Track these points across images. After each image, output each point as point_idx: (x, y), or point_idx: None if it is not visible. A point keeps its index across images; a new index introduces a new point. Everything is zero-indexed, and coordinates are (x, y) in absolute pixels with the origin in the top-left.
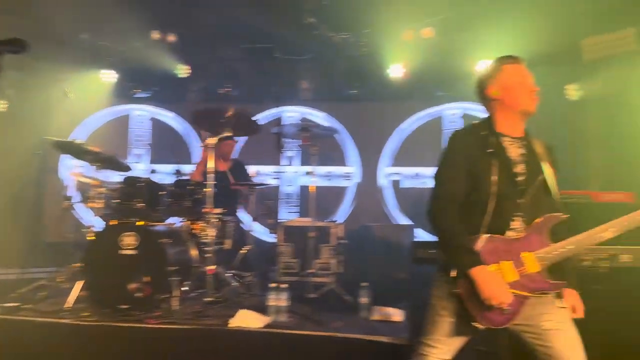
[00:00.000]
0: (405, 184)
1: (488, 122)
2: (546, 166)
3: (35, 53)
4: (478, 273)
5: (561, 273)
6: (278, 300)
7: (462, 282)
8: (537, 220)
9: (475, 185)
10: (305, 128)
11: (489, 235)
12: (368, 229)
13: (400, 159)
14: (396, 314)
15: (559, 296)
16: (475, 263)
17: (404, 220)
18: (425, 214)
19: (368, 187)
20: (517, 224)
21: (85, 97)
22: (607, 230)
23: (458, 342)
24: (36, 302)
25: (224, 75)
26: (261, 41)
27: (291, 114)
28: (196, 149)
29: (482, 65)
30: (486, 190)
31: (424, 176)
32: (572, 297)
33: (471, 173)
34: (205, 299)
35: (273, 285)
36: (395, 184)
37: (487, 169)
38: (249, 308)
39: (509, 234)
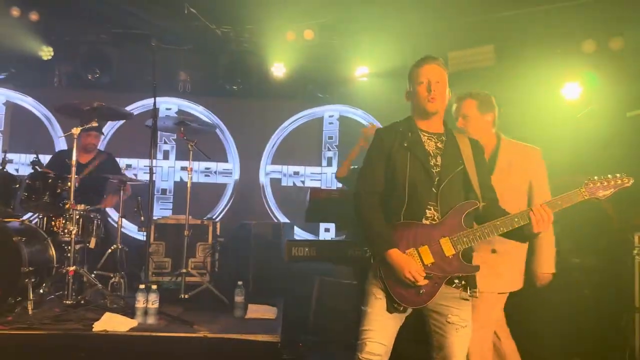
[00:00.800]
0: (285, 182)
1: (408, 120)
2: (468, 160)
3: None
4: (391, 255)
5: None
6: (147, 301)
7: (382, 265)
8: (456, 207)
9: (393, 177)
10: (182, 122)
11: (405, 221)
12: (245, 227)
13: (280, 158)
14: (270, 312)
15: (471, 285)
16: (388, 247)
17: (283, 219)
18: (353, 204)
19: (248, 184)
20: (431, 212)
21: None
22: (522, 216)
23: (391, 325)
24: None
25: (93, 60)
26: (136, 27)
27: (168, 106)
28: (59, 139)
29: (360, 70)
30: (402, 181)
31: (303, 175)
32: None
33: (389, 166)
34: (66, 302)
35: (142, 286)
36: (276, 182)
37: (404, 161)
38: (115, 311)
39: (425, 222)
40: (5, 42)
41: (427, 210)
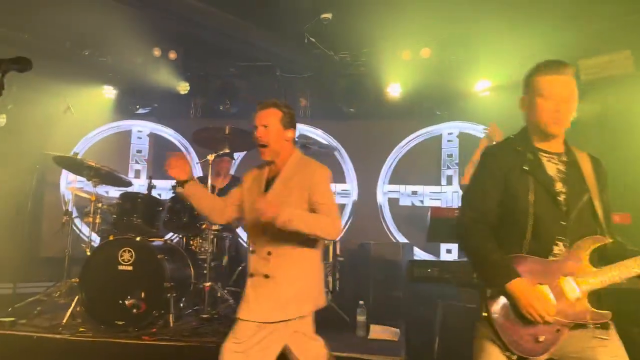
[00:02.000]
0: (404, 201)
1: (524, 136)
2: (592, 184)
3: (37, 69)
4: (516, 285)
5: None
6: None
7: (495, 303)
8: (578, 242)
9: (511, 205)
10: (304, 145)
11: (523, 254)
12: (365, 247)
13: (398, 177)
14: (393, 334)
15: (604, 327)
16: (512, 276)
17: (401, 238)
18: (456, 232)
19: (366, 204)
20: (560, 248)
21: (87, 113)
22: None
23: None
24: (32, 317)
25: (223, 92)
26: (261, 59)
27: None
28: (197, 165)
29: (480, 84)
30: (524, 211)
31: (422, 194)
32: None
33: (507, 192)
34: (202, 316)
35: None
36: (394, 201)
37: (524, 187)
38: None
39: (550, 258)
40: (149, 80)
41: (554, 246)
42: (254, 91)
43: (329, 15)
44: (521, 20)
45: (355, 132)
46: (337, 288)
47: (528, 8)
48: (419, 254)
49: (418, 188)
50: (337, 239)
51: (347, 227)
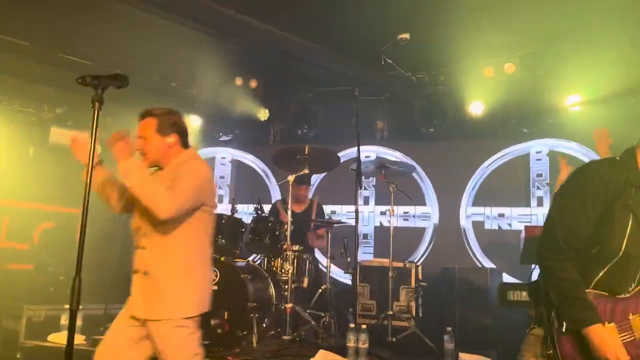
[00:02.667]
0: (489, 225)
1: (630, 164)
2: None
3: (130, 102)
4: (597, 332)
5: None
6: (357, 341)
7: (567, 340)
8: None
9: (601, 235)
10: (383, 165)
11: (594, 291)
12: (448, 272)
13: (483, 199)
14: None
15: None
16: (594, 320)
17: (487, 263)
18: (537, 252)
19: (448, 227)
20: (633, 287)
21: None
22: None
23: None
24: None
25: (301, 117)
26: (338, 83)
27: (367, 154)
28: (274, 189)
29: (570, 99)
30: (614, 248)
31: (510, 217)
32: None
33: (602, 221)
34: (284, 337)
35: (352, 326)
36: (478, 225)
37: (622, 223)
38: (327, 349)
39: (620, 295)
40: (231, 108)
41: (630, 287)
42: (332, 115)
43: (406, 36)
44: (613, 29)
45: (434, 153)
46: (421, 314)
47: (621, 16)
48: (509, 281)
49: (505, 210)
50: (165, 218)
51: (427, 251)
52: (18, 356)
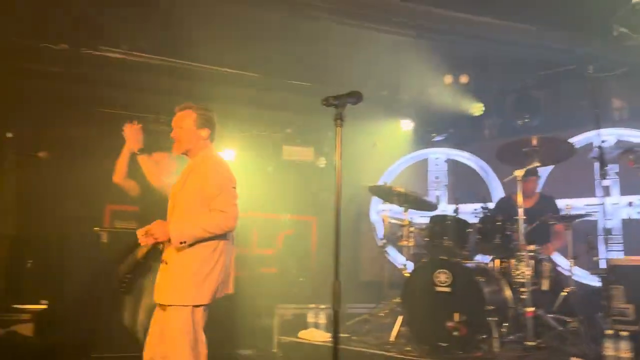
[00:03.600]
0: None
1: None
2: None
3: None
4: None
5: None
6: (617, 350)
7: None
8: None
9: None
10: (630, 149)
11: None
12: None
13: None
14: None
15: None
16: None
17: None
18: None
19: None
20: None
21: (389, 146)
22: None
23: None
24: (362, 335)
25: (521, 106)
26: (562, 63)
27: (605, 137)
28: (496, 186)
29: None
30: None
31: None
32: None
33: None
34: (527, 344)
35: (609, 332)
36: None
37: None
38: (579, 357)
39: None
40: (442, 108)
41: None
42: (556, 99)
43: None
44: None
45: None
46: None
47: None
48: None
49: None
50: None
51: None
52: (274, 350)
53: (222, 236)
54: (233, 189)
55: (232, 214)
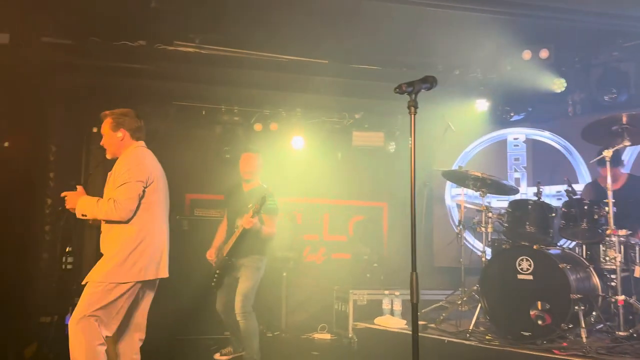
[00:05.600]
0: None
1: None
2: None
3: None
4: None
5: None
6: None
7: None
8: None
9: None
10: None
11: None
12: None
13: None
14: None
15: None
16: None
17: None
18: None
19: None
20: None
21: (464, 128)
22: None
23: None
24: (439, 322)
25: (607, 80)
26: None
27: None
28: (580, 168)
29: None
30: None
31: None
32: None
33: None
34: (618, 333)
35: None
36: None
37: None
38: None
39: None
40: (520, 85)
41: None
42: None
43: None
44: None
45: None
46: None
47: None
48: None
49: None
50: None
51: None
52: (350, 335)
53: (149, 220)
54: (137, 182)
55: (124, 206)
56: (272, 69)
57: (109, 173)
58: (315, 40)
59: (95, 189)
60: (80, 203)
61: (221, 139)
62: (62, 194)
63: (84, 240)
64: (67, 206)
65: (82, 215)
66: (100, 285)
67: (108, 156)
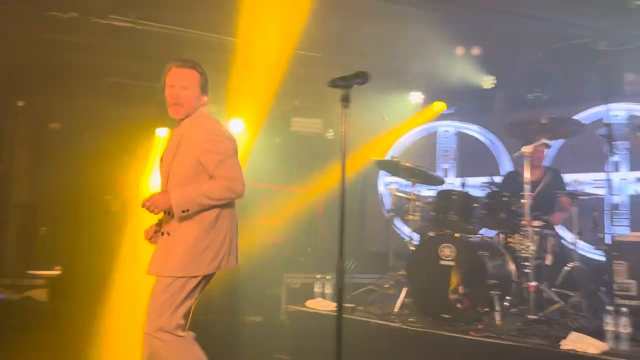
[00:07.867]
0: None
1: None
2: None
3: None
4: None
5: None
6: (617, 325)
7: None
8: None
9: None
10: (638, 127)
11: None
12: None
13: None
14: None
15: None
16: None
17: None
18: None
19: None
20: None
21: (398, 119)
22: None
23: None
24: (367, 305)
25: (532, 80)
26: (574, 36)
27: (615, 112)
28: (504, 160)
29: None
30: None
31: None
32: None
33: None
34: (528, 317)
35: (610, 308)
36: None
37: None
38: (579, 331)
39: None
40: (453, 80)
41: None
42: (568, 73)
43: None
44: None
45: None
46: None
47: None
48: None
49: None
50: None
51: None
52: (282, 318)
53: (227, 204)
54: (235, 152)
55: (240, 179)
56: (212, 49)
57: (171, 141)
58: (260, 24)
59: (21, 167)
60: (175, 199)
61: (155, 119)
62: (143, 204)
63: None
64: (157, 211)
65: (183, 211)
66: (181, 281)
67: (177, 115)
